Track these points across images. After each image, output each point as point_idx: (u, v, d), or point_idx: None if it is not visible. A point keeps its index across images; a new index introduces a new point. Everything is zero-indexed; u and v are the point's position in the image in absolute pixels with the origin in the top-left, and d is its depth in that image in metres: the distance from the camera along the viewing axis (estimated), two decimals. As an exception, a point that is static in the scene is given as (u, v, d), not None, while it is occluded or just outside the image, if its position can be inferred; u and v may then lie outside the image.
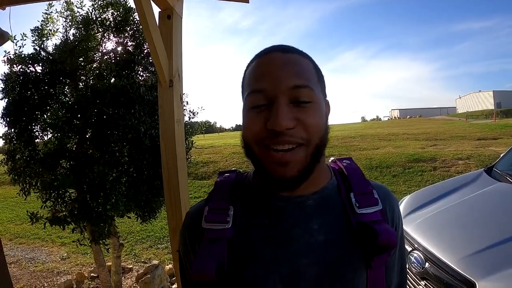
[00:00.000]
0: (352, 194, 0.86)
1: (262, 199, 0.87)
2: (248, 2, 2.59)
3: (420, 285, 2.65)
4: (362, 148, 14.73)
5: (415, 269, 2.70)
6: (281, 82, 0.76)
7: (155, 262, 5.41)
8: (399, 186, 8.91)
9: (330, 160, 1.01)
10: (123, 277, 5.09)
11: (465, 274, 2.30)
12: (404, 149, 13.55)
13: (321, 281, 0.79)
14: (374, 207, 0.84)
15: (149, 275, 4.78)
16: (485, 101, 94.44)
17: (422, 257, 2.71)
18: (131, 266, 5.74)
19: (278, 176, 0.77)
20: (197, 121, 4.57)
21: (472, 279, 2.24)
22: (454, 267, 2.40)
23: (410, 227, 3.07)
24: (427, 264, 2.65)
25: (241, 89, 0.89)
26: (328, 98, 0.90)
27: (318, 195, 0.86)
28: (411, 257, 2.78)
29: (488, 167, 4.08)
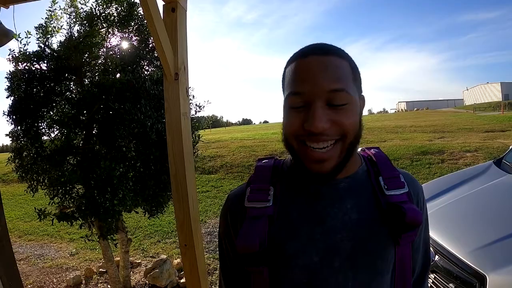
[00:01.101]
0: (380, 178, 0.94)
1: (299, 181, 0.95)
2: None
3: (429, 278, 2.62)
4: (369, 140, 14.68)
5: (425, 262, 2.68)
6: (319, 86, 0.81)
7: (163, 256, 5.42)
8: (407, 178, 8.87)
9: (359, 149, 1.07)
10: (131, 272, 5.11)
11: (475, 267, 2.28)
12: (411, 141, 13.49)
13: (354, 255, 0.87)
14: (401, 189, 0.92)
15: (157, 270, 4.79)
16: (493, 93, 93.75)
17: (432, 250, 2.68)
18: (139, 261, 5.76)
19: (314, 171, 0.85)
20: (203, 116, 4.57)
21: (483, 272, 2.21)
22: (464, 260, 2.38)
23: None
24: (436, 257, 2.62)
25: (281, 84, 0.96)
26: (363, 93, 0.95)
27: (350, 179, 0.94)
28: (420, 249, 2.76)
29: (497, 159, 4.04)
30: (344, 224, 0.88)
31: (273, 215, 0.91)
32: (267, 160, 1.04)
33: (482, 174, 3.69)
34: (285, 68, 0.93)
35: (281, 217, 0.91)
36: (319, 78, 0.81)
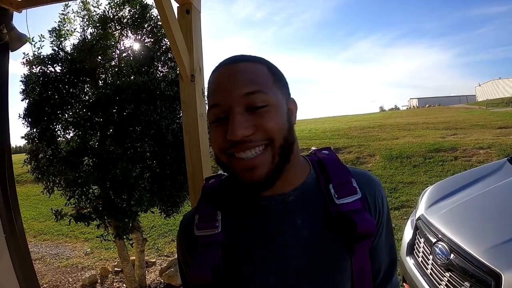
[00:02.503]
0: (331, 186, 0.91)
1: (246, 201, 0.93)
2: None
3: (445, 276, 2.60)
4: (381, 138, 14.55)
5: (440, 260, 2.65)
6: (232, 93, 0.80)
7: (178, 256, 5.45)
8: (420, 176, 8.78)
9: (309, 152, 1.06)
10: (146, 271, 5.15)
11: (490, 265, 2.26)
12: (424, 138, 13.36)
13: (309, 270, 0.85)
14: (353, 196, 0.89)
15: (172, 269, 4.83)
16: (506, 89, 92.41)
17: (447, 248, 2.66)
18: (154, 260, 5.80)
19: (246, 181, 0.83)
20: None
21: (498, 270, 2.19)
22: (480, 258, 2.35)
23: (434, 218, 3.03)
24: (452, 255, 2.60)
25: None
26: (293, 97, 0.94)
27: (299, 190, 0.91)
28: (435, 248, 2.74)
29: (511, 156, 4.00)
30: (296, 241, 0.87)
31: (224, 241, 0.89)
32: (213, 180, 1.02)
33: (496, 171, 3.65)
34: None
35: (232, 241, 0.89)
36: (231, 85, 0.81)
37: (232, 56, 0.89)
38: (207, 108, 0.89)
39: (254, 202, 0.91)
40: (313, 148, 1.07)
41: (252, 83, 0.82)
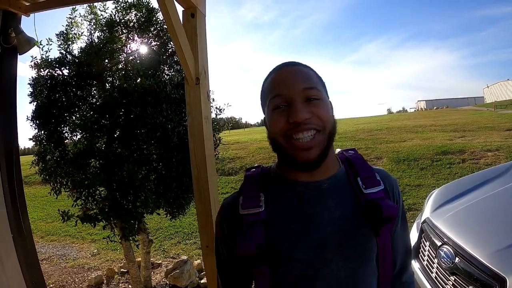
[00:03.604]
0: (358, 178, 1.06)
1: (286, 186, 1.07)
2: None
3: (450, 280, 2.59)
4: (389, 140, 14.46)
5: (445, 264, 2.64)
6: (295, 86, 0.99)
7: (184, 257, 5.47)
8: (427, 179, 8.73)
9: (336, 152, 1.19)
10: (152, 272, 5.17)
11: (495, 269, 2.24)
12: (431, 141, 13.27)
13: (343, 247, 0.99)
14: (378, 187, 1.05)
15: (178, 270, 4.84)
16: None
17: (452, 251, 2.64)
18: (160, 262, 5.82)
19: (302, 160, 0.97)
20: (222, 118, 4.61)
21: (503, 275, 2.18)
22: (485, 262, 2.34)
23: (440, 221, 3.01)
24: (457, 259, 2.58)
25: (261, 100, 1.14)
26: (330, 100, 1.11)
27: (331, 180, 1.06)
28: (440, 251, 2.73)
29: (520, 158, 3.97)
30: (329, 221, 1.00)
31: (267, 219, 1.01)
32: (254, 169, 1.17)
33: (504, 174, 3.62)
34: (263, 84, 1.11)
35: (274, 220, 1.02)
36: (294, 80, 1.00)
37: (289, 61, 1.08)
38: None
39: (293, 187, 1.05)
40: (338, 150, 1.21)
41: (309, 81, 1.01)
